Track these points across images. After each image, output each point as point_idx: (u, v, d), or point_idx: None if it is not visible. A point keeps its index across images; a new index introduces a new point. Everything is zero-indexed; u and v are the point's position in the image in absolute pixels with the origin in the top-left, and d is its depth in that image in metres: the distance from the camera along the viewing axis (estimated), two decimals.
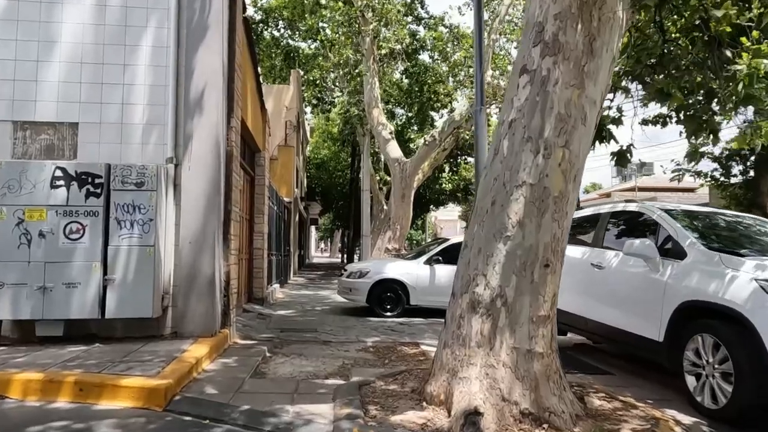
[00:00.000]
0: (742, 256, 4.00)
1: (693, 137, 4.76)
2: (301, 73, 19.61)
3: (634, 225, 5.15)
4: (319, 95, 17.55)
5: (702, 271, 4.04)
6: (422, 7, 17.38)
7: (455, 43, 14.50)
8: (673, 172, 7.61)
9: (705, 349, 3.84)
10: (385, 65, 14.55)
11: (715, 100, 4.75)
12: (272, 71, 21.38)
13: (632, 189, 37.68)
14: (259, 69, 18.78)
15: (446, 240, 9.28)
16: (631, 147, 4.95)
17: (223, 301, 5.81)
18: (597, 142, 4.95)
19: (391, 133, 12.89)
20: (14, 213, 4.82)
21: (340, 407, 3.53)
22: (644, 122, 5.62)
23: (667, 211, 4.84)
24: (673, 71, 4.28)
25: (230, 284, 5.95)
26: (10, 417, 3.41)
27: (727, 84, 4.26)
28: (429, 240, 57.67)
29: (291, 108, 18.30)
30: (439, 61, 17.97)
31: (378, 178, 21.25)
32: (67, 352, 4.54)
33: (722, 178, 17.37)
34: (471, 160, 26.24)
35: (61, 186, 4.90)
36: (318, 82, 15.58)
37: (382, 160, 22.66)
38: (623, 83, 4.93)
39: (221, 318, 5.72)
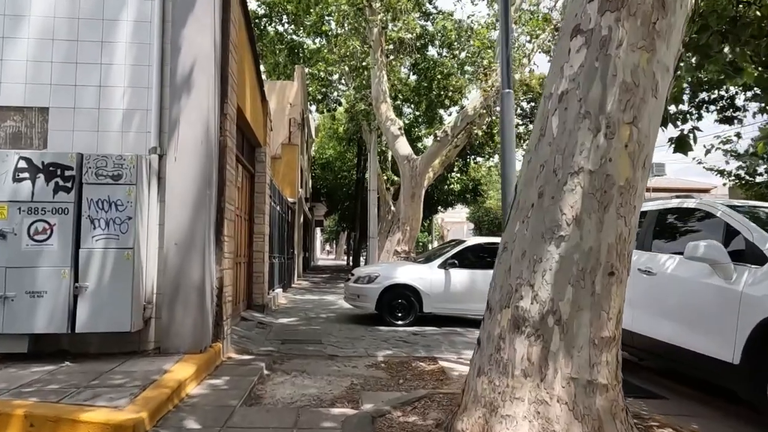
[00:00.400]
0: None
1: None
2: (306, 70, 18.97)
3: (693, 224, 4.42)
4: (323, 90, 16.84)
5: None
6: (430, 2, 16.70)
7: (469, 33, 13.78)
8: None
9: None
10: (393, 59, 13.86)
11: None
12: (276, 69, 20.76)
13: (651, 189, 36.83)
14: (260, 60, 18.18)
15: (462, 242, 8.56)
16: (695, 130, 4.21)
17: (216, 311, 5.12)
18: None
19: (400, 128, 12.19)
20: None
21: None
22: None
23: (734, 208, 4.11)
24: (750, 39, 3.55)
25: (224, 292, 5.26)
26: None
27: None
28: (435, 243, 56.93)
29: (295, 105, 17.66)
30: (448, 57, 17.28)
31: (385, 177, 20.54)
32: (29, 374, 3.86)
33: (747, 177, 16.55)
34: (480, 159, 25.57)
35: (25, 179, 4.22)
36: (323, 75, 14.90)
37: (389, 159, 21.99)
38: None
39: (213, 330, 5.03)
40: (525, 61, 12.02)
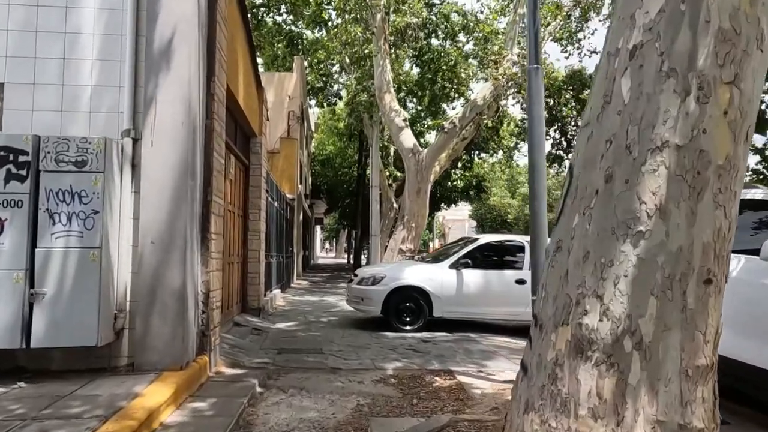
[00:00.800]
0: None
1: None
2: (306, 63, 18.26)
3: (763, 219, 3.76)
4: (324, 79, 16.09)
5: None
6: None
7: (474, 22, 13.08)
8: None
9: None
10: (396, 49, 13.18)
11: None
12: (275, 61, 20.06)
13: None
14: (257, 51, 17.48)
15: (473, 240, 7.89)
16: None
17: (201, 319, 4.46)
18: None
19: (405, 120, 11.51)
20: None
21: None
22: None
23: None
24: None
25: (211, 297, 4.60)
26: None
27: None
28: (437, 241, 56.25)
29: (294, 98, 16.97)
30: (453, 48, 16.59)
31: (387, 173, 19.86)
32: None
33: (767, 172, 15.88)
34: (484, 155, 24.87)
35: None
36: (323, 65, 14.20)
37: (392, 154, 21.30)
38: None
39: (198, 341, 4.38)
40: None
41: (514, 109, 17.91)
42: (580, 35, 15.28)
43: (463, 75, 15.80)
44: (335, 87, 19.45)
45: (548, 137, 21.65)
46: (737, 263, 3.67)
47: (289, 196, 14.92)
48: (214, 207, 4.72)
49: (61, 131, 3.98)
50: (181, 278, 4.00)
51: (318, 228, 44.22)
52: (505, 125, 21.91)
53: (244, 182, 7.89)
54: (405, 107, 20.01)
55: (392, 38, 12.09)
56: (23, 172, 3.60)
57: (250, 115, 7.38)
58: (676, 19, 2.14)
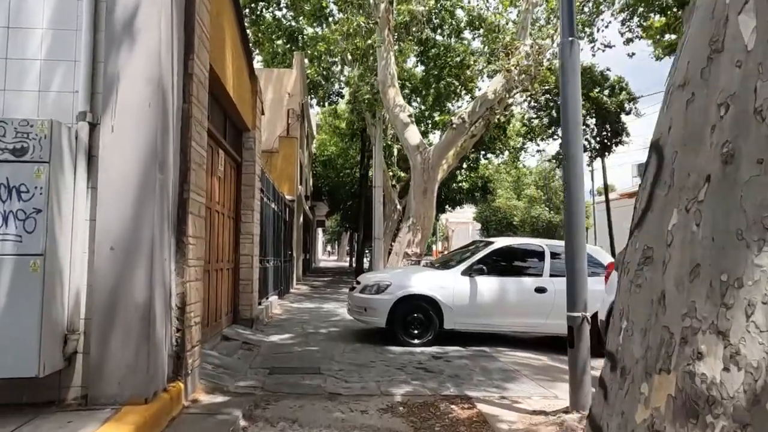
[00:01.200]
0: None
1: None
2: (306, 61, 17.60)
3: None
4: (324, 73, 15.36)
5: None
6: None
7: (483, 14, 12.43)
8: None
9: None
10: (401, 41, 12.51)
11: None
12: (275, 59, 19.42)
13: None
14: (257, 49, 16.82)
15: (488, 243, 7.18)
16: None
17: (175, 338, 3.77)
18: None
19: (410, 116, 10.82)
20: None
21: None
22: None
23: None
24: None
25: (188, 312, 3.91)
26: None
27: None
28: (440, 244, 55.46)
29: (294, 95, 16.31)
30: (459, 44, 15.93)
31: (390, 174, 19.16)
32: None
33: None
34: (491, 156, 24.17)
35: None
36: (323, 57, 13.50)
37: (395, 154, 20.61)
38: None
39: (171, 365, 3.69)
40: (548, 42, 10.64)
41: (521, 108, 17.17)
42: (590, 29, 14.57)
43: (468, 72, 15.15)
44: (336, 86, 18.81)
45: (557, 136, 20.97)
46: None
47: (288, 197, 14.25)
48: (193, 206, 4.03)
49: (3, 113, 3.30)
50: (147, 291, 3.30)
51: (319, 231, 43.54)
52: (511, 125, 21.24)
53: (235, 181, 7.20)
54: (410, 105, 19.32)
55: (396, 33, 11.45)
56: None
57: (242, 107, 6.70)
58: None
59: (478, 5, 14.63)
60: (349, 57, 14.02)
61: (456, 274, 6.67)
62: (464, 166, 22.63)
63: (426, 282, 6.64)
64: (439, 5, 15.18)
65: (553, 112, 19.37)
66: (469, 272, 6.64)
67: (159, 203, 3.43)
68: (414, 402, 4.14)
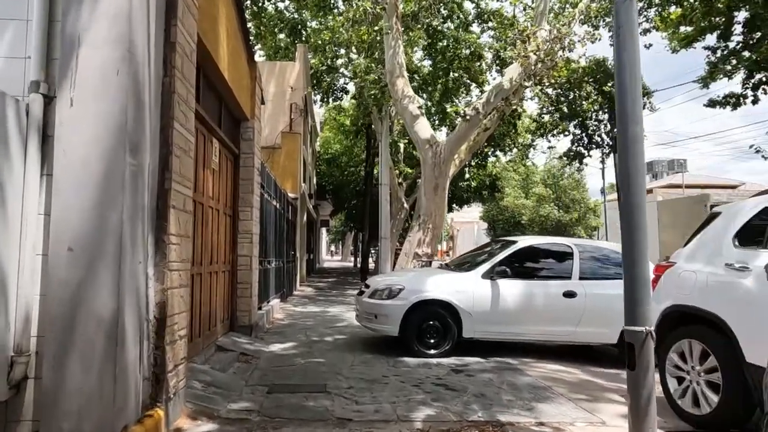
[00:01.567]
0: None
1: None
2: (309, 55, 16.96)
3: None
4: (328, 62, 14.66)
5: None
6: None
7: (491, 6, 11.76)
8: None
9: None
10: (410, 30, 11.86)
11: None
12: (277, 53, 18.81)
13: (678, 186, 34.47)
14: (258, 41, 16.17)
15: (511, 242, 6.50)
16: None
17: (153, 357, 3.15)
18: None
19: (420, 107, 10.16)
20: None
21: None
22: None
23: None
24: None
25: (169, 324, 3.28)
26: None
27: None
28: (444, 244, 54.71)
29: (297, 89, 15.68)
30: (469, 34, 15.26)
31: (397, 171, 18.50)
32: None
33: None
34: (499, 153, 23.46)
35: None
36: (327, 47, 12.84)
37: (402, 151, 19.95)
38: None
39: (147, 390, 3.07)
40: (564, 29, 9.93)
41: (533, 102, 16.49)
42: (609, 17, 13.87)
43: (479, 65, 14.50)
44: (342, 80, 18.16)
45: (567, 133, 20.29)
46: None
47: (291, 195, 13.64)
48: (176, 198, 3.41)
49: None
50: (114, 301, 2.68)
51: (323, 230, 42.94)
52: (521, 121, 20.58)
53: (232, 174, 6.58)
54: None
55: (404, 23, 10.81)
56: None
57: (239, 93, 6.08)
58: None
59: None
60: (354, 51, 13.39)
61: (476, 277, 6.02)
62: (473, 163, 21.95)
63: (443, 286, 6.00)
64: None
65: (564, 107, 18.70)
66: (490, 275, 5.99)
67: (131, 194, 2.81)
68: (438, 430, 3.50)
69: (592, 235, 32.14)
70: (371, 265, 24.53)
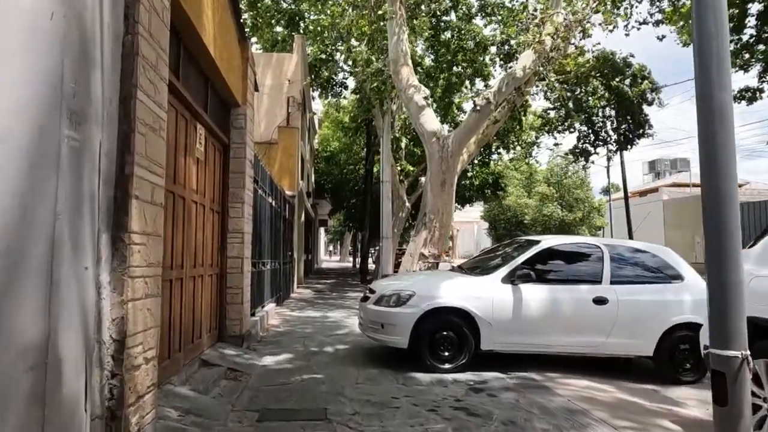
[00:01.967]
0: None
1: None
2: (308, 43, 16.26)
3: None
4: (328, 50, 13.93)
5: None
6: None
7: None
8: None
9: None
10: (414, 18, 11.18)
11: None
12: (275, 46, 18.10)
13: (683, 184, 33.84)
14: (255, 34, 15.43)
15: (533, 242, 5.81)
16: None
17: (108, 389, 2.46)
18: None
19: (426, 98, 9.48)
20: None
21: None
22: None
23: None
24: None
25: (132, 346, 2.60)
26: None
27: None
28: (446, 246, 53.98)
29: (294, 82, 14.98)
30: (474, 25, 14.61)
31: (399, 168, 17.80)
32: None
33: None
34: (502, 151, 22.79)
35: None
36: (327, 33, 12.13)
37: (403, 147, 19.27)
38: None
39: None
40: (584, 11, 9.23)
41: (535, 101, 15.86)
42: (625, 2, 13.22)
43: (481, 59, 13.85)
44: (341, 75, 17.46)
45: (573, 129, 19.65)
46: None
47: (288, 192, 12.94)
48: (141, 187, 2.72)
49: None
50: (42, 320, 2.00)
51: (321, 230, 42.21)
52: (525, 118, 19.93)
53: (221, 166, 5.90)
54: None
55: (408, 11, 10.14)
56: None
57: (229, 75, 5.39)
58: None
59: None
60: (355, 40, 12.71)
61: (495, 282, 5.34)
62: (476, 161, 21.29)
63: (458, 291, 5.31)
64: None
65: (570, 103, 18.07)
66: (511, 279, 5.31)
67: (71, 178, 2.12)
68: None
69: (596, 235, 31.50)
70: (371, 266, 23.86)
